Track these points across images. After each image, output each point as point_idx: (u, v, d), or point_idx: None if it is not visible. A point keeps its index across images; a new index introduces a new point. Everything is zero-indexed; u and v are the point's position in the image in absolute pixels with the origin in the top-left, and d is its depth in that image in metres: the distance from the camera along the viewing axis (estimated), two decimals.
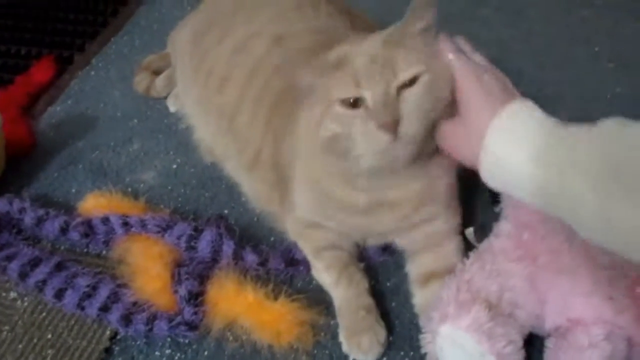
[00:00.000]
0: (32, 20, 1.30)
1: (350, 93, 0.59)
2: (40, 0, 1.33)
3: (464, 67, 0.58)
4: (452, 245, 0.73)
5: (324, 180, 0.69)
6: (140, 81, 1.07)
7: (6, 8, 1.33)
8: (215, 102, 0.85)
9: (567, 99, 0.99)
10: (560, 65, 1.09)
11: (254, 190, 0.84)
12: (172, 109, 1.03)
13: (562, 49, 1.14)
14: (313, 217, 0.74)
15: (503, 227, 0.73)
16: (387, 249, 0.77)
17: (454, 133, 0.59)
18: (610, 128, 0.47)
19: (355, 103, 0.59)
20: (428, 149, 0.64)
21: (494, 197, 0.79)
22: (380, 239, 0.75)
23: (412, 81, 0.59)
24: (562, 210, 0.50)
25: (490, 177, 0.56)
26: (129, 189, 0.88)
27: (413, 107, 0.58)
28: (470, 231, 0.78)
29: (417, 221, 0.71)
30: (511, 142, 0.53)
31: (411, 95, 0.58)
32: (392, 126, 0.57)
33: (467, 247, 0.75)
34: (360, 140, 0.59)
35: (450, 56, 0.59)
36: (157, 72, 1.08)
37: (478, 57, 0.61)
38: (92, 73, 1.14)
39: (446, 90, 0.59)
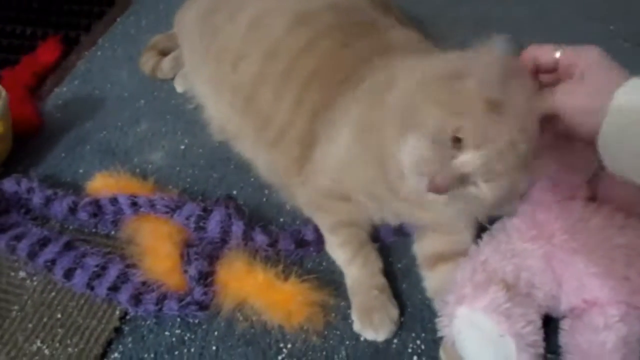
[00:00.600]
0: (38, 1, 1.28)
1: (470, 136, 0.55)
2: None
3: (575, 48, 0.57)
4: (467, 233, 0.72)
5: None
6: (146, 61, 1.05)
7: None
8: (229, 80, 0.84)
9: None
10: (575, 44, 1.07)
11: (272, 165, 0.82)
12: (179, 89, 1.02)
13: (577, 28, 1.11)
14: (345, 189, 0.72)
15: (517, 207, 0.72)
16: (399, 231, 0.76)
17: (574, 92, 0.55)
18: None
19: (457, 140, 0.55)
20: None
21: None
22: (401, 220, 0.74)
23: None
24: None
25: (613, 130, 0.52)
26: (137, 170, 0.87)
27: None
28: None
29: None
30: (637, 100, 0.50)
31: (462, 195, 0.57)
32: (442, 189, 0.55)
33: (481, 227, 0.74)
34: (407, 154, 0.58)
35: (557, 53, 0.57)
36: (163, 53, 1.07)
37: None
38: (99, 53, 1.13)
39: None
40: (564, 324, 0.65)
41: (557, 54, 0.57)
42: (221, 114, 0.89)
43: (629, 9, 1.15)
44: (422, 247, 0.74)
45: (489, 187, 0.56)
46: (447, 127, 0.55)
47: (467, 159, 0.54)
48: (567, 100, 0.56)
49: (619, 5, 1.16)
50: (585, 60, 0.55)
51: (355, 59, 0.74)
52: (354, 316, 0.68)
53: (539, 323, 0.62)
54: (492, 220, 0.73)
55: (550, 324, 0.66)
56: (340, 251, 0.73)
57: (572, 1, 1.18)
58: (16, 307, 0.71)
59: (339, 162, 0.72)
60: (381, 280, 0.70)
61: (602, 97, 0.52)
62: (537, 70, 0.60)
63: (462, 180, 0.56)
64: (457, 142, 0.55)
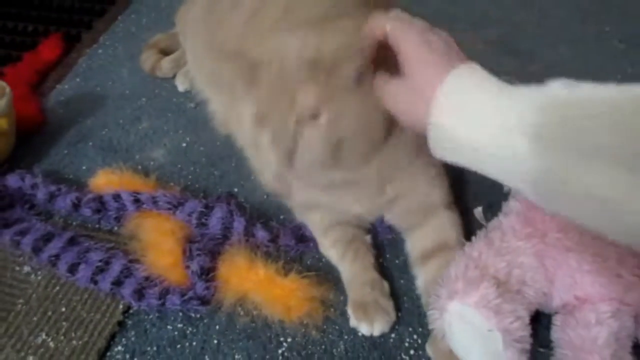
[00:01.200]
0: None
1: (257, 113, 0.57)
2: None
3: (402, 26, 0.54)
4: (443, 220, 0.73)
5: None
6: (146, 59, 1.06)
7: None
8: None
9: (578, 79, 0.98)
10: (570, 44, 1.09)
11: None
12: (180, 88, 1.03)
13: (572, 29, 1.13)
14: (305, 198, 0.74)
15: (512, 206, 0.74)
16: (393, 227, 0.77)
17: (397, 94, 0.55)
18: (558, 91, 0.45)
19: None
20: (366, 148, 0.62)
21: None
22: (368, 216, 0.75)
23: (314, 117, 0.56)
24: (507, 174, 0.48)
25: (437, 145, 0.52)
26: (139, 167, 0.88)
27: (307, 146, 0.57)
28: (479, 210, 0.79)
29: (392, 197, 0.71)
30: (458, 110, 0.49)
31: (307, 135, 0.57)
32: (284, 159, 0.57)
33: (476, 226, 0.75)
34: (259, 155, 0.60)
35: (387, 26, 0.55)
36: (164, 52, 1.08)
37: (420, 21, 0.56)
38: (100, 51, 1.14)
39: (361, 132, 0.58)
40: (556, 320, 0.66)
41: (388, 27, 0.55)
42: (223, 109, 0.90)
43: (624, 10, 1.17)
44: (411, 245, 0.75)
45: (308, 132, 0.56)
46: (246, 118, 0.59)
47: (265, 138, 0.57)
48: (392, 101, 0.56)
49: (614, 6, 1.18)
50: (405, 47, 0.53)
51: None
52: (350, 311, 0.69)
53: (527, 319, 0.63)
54: (489, 218, 0.75)
55: (542, 320, 0.68)
56: (332, 251, 0.74)
57: (568, 2, 1.20)
58: (21, 301, 0.73)
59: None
60: (374, 275, 0.71)
61: (424, 96, 0.50)
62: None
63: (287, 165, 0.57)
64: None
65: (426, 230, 0.73)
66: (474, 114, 0.48)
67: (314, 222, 0.76)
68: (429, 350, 0.66)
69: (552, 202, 0.46)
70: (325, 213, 0.75)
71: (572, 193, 0.43)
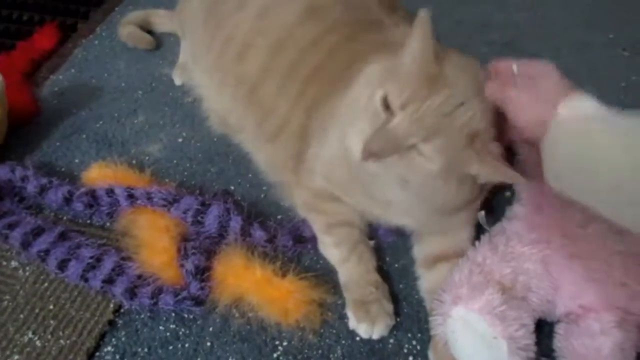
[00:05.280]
0: None
1: (395, 98, 0.57)
2: None
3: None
4: (464, 234, 0.73)
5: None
6: (123, 31, 1.08)
7: None
8: (233, 71, 0.83)
9: (582, 86, 0.97)
10: (575, 50, 1.08)
11: (271, 160, 0.82)
12: (177, 82, 1.01)
13: (576, 35, 1.12)
14: (334, 189, 0.73)
15: (517, 211, 0.73)
16: (397, 231, 0.76)
17: (517, 98, 0.57)
18: None
19: (388, 107, 0.58)
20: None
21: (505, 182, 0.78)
22: (393, 224, 0.74)
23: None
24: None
25: (554, 143, 0.53)
26: (134, 161, 0.86)
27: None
28: (481, 214, 0.77)
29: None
30: (585, 112, 0.52)
31: (405, 163, 0.58)
32: (371, 157, 0.57)
33: (479, 230, 0.74)
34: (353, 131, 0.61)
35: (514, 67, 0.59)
36: (140, 26, 1.09)
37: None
38: (96, 42, 1.11)
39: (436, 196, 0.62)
40: (559, 329, 0.65)
41: (515, 67, 0.59)
42: (222, 106, 0.88)
43: (629, 18, 1.16)
44: (421, 248, 0.74)
45: (429, 147, 0.57)
46: (375, 97, 0.59)
47: (397, 120, 0.57)
48: (517, 102, 0.57)
49: (619, 14, 1.17)
50: (538, 71, 0.57)
51: (355, 54, 0.74)
52: (349, 312, 0.68)
53: (532, 327, 0.62)
54: (492, 222, 0.74)
55: (544, 328, 0.66)
56: (335, 250, 0.73)
57: (573, 9, 1.19)
58: (8, 297, 0.70)
59: (327, 162, 0.72)
60: (376, 277, 0.70)
61: (549, 106, 0.53)
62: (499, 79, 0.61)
63: (398, 144, 0.57)
64: (387, 109, 0.58)
65: (442, 237, 0.72)
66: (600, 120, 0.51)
67: (318, 220, 0.75)
68: (431, 356, 0.65)
69: None
70: (342, 207, 0.73)
71: None
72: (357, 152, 0.59)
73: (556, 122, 0.52)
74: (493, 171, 0.58)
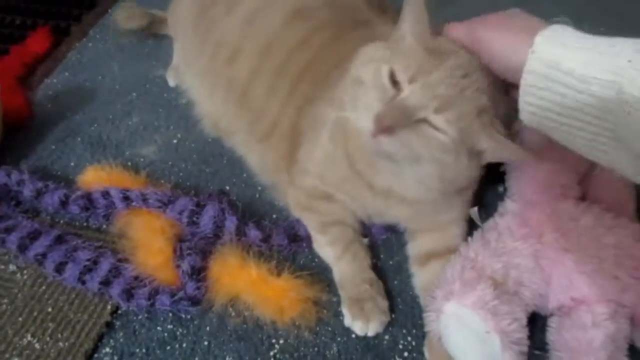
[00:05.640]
0: None
1: (402, 73, 0.57)
2: None
3: (475, 26, 0.57)
4: (457, 230, 0.73)
5: (352, 151, 0.68)
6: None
7: None
8: (224, 74, 0.84)
9: None
10: None
11: (263, 161, 0.82)
12: (171, 83, 1.01)
13: None
14: (327, 188, 0.73)
15: (508, 206, 0.73)
16: (391, 228, 0.76)
17: (491, 38, 0.56)
18: None
19: (395, 82, 0.58)
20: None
21: (497, 177, 0.79)
22: (387, 220, 0.75)
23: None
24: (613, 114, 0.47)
25: (531, 75, 0.52)
26: (129, 163, 0.86)
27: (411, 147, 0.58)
28: (474, 210, 0.78)
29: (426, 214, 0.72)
30: (562, 47, 0.50)
31: (418, 137, 0.57)
32: (385, 130, 0.56)
33: (471, 226, 0.75)
34: (358, 111, 0.60)
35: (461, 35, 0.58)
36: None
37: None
38: (90, 45, 1.11)
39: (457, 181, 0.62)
40: (552, 322, 0.66)
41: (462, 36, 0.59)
42: (214, 109, 0.89)
43: (621, 12, 1.16)
44: (415, 245, 0.74)
45: (441, 119, 0.56)
46: (381, 72, 0.58)
47: (407, 92, 0.56)
48: (491, 42, 0.56)
49: (611, 8, 1.18)
50: (505, 13, 0.56)
51: (344, 51, 0.73)
52: (344, 309, 0.68)
53: (525, 321, 0.63)
54: (484, 218, 0.75)
55: (537, 322, 0.67)
56: (329, 249, 0.73)
57: (564, 4, 1.19)
58: (6, 301, 0.71)
59: (319, 162, 0.72)
60: (371, 274, 0.71)
61: (525, 40, 0.51)
62: None
63: (410, 116, 0.56)
64: (395, 84, 0.58)
65: (435, 234, 0.73)
66: (579, 46, 0.48)
67: (312, 219, 0.75)
68: (426, 352, 0.66)
69: None
70: (335, 206, 0.74)
71: None
72: (367, 128, 0.57)
73: (533, 52, 0.51)
74: (500, 147, 0.58)
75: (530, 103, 0.52)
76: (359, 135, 0.62)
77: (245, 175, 0.85)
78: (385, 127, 0.56)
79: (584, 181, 0.75)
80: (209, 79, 0.88)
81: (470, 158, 0.60)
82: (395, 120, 0.56)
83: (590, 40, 0.49)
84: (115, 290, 0.69)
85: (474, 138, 0.58)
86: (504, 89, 0.59)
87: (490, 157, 0.61)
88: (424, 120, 0.57)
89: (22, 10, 1.22)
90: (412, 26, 0.59)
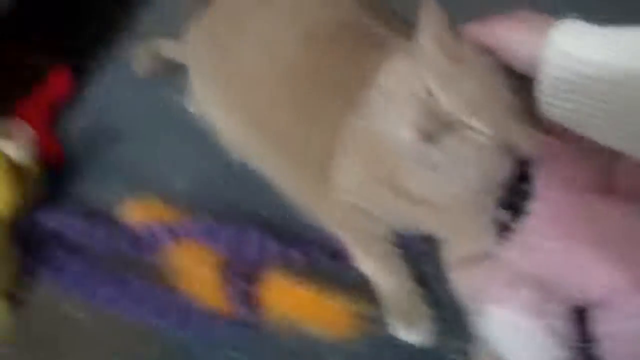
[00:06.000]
0: (39, 29, 1.28)
1: (432, 81, 0.59)
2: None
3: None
4: (492, 233, 0.73)
5: (387, 164, 0.70)
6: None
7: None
8: (242, 104, 0.85)
9: None
10: None
11: (296, 184, 0.84)
12: (191, 109, 1.02)
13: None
14: (363, 203, 0.75)
15: (537, 206, 0.75)
16: (428, 237, 0.78)
17: (507, 33, 0.57)
18: None
19: (427, 91, 0.59)
20: None
21: (523, 176, 0.81)
22: (424, 230, 0.77)
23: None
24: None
25: (548, 65, 0.53)
26: (166, 195, 0.88)
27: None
28: (502, 212, 0.80)
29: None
30: (579, 37, 0.52)
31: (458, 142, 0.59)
32: (427, 138, 0.58)
33: (503, 229, 0.77)
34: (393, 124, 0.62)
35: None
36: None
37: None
38: (109, 79, 1.13)
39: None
40: (594, 314, 0.68)
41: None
42: (236, 137, 0.89)
43: (626, 8, 1.18)
44: (452, 252, 0.76)
45: (478, 120, 0.58)
46: (412, 83, 0.60)
47: (441, 99, 0.58)
48: (507, 36, 0.57)
49: (618, 7, 1.19)
50: (515, 13, 0.58)
51: (365, 69, 0.72)
52: (391, 322, 0.71)
53: (569, 316, 0.65)
54: (512, 218, 0.77)
55: (582, 315, 0.69)
56: (370, 264, 0.75)
57: (572, 4, 1.20)
58: (65, 341, 0.73)
59: (353, 178, 0.74)
60: (412, 285, 0.73)
61: (540, 33, 0.53)
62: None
63: (448, 122, 0.58)
64: (428, 93, 0.59)
65: (470, 240, 0.74)
66: (594, 36, 0.51)
67: (350, 235, 0.77)
68: (475, 358, 0.68)
69: None
70: (371, 221, 0.75)
71: None
72: (408, 138, 0.59)
73: (549, 43, 0.52)
74: (532, 141, 0.61)
75: (550, 95, 0.55)
76: (396, 147, 0.63)
77: (279, 198, 0.87)
78: (427, 135, 0.58)
79: (607, 173, 0.76)
80: (226, 109, 0.88)
81: (506, 156, 0.62)
82: (435, 127, 0.58)
83: (605, 29, 0.52)
84: (171, 320, 0.72)
85: (508, 134, 0.60)
86: (528, 85, 0.61)
87: (524, 150, 0.62)
88: (461, 124, 0.59)
89: (36, 48, 1.23)
90: (432, 35, 0.61)
